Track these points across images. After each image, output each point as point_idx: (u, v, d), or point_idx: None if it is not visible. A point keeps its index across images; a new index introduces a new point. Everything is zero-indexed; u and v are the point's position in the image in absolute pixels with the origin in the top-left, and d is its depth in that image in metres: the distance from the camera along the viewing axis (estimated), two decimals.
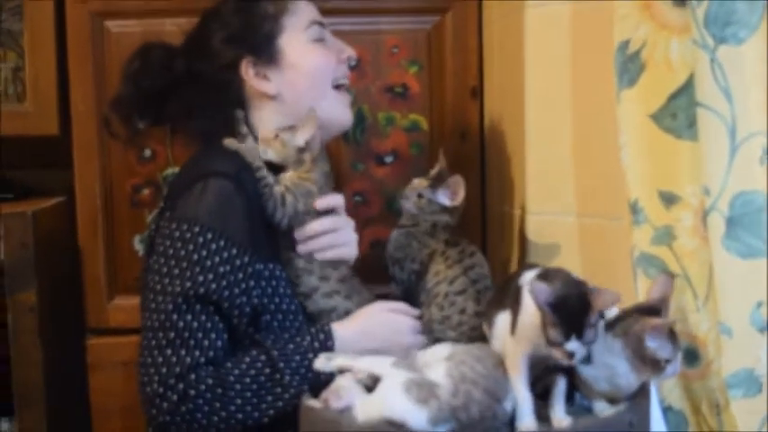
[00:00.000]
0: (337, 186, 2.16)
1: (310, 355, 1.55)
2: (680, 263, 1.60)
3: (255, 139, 1.70)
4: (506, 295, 1.44)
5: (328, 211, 1.69)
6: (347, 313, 1.67)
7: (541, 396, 1.43)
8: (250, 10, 1.72)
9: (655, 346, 1.38)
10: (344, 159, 2.18)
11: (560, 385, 1.40)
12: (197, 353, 1.51)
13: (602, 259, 1.76)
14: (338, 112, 1.78)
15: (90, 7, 2.10)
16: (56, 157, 2.17)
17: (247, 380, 1.52)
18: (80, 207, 2.14)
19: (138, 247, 2.13)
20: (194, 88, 1.72)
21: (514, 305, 1.40)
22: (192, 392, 1.49)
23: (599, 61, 1.70)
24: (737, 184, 1.53)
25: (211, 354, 1.52)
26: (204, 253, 1.53)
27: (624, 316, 1.43)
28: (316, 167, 1.68)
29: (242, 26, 1.72)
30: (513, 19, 1.96)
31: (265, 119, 1.74)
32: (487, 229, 2.23)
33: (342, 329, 1.61)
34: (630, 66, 1.59)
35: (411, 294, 1.76)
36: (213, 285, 1.52)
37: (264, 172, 1.63)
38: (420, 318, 1.69)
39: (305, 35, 1.74)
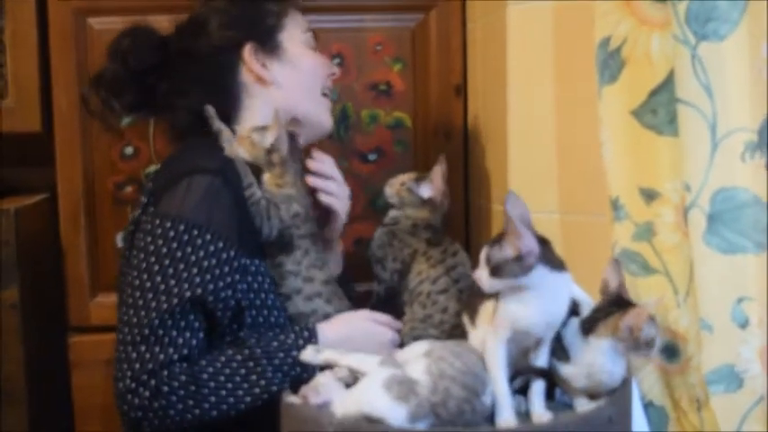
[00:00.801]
0: None
1: (294, 353, 1.54)
2: (661, 259, 1.61)
3: (234, 132, 1.70)
4: None
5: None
6: (326, 317, 1.66)
7: (522, 391, 1.43)
8: (253, 4, 1.77)
9: (648, 330, 1.38)
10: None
11: (538, 382, 1.41)
12: (171, 350, 1.49)
13: (585, 256, 1.75)
14: (324, 117, 1.81)
15: (72, 4, 2.09)
16: (38, 154, 2.16)
17: (222, 378, 1.51)
18: (62, 204, 2.13)
19: (122, 244, 2.12)
20: (190, 67, 1.72)
21: (496, 295, 1.40)
22: (165, 389, 1.48)
23: (581, 58, 1.70)
24: (718, 180, 1.54)
25: (185, 352, 1.51)
26: (189, 249, 1.52)
27: (600, 315, 1.42)
28: (287, 168, 1.67)
29: (244, 14, 1.75)
30: (496, 17, 1.96)
31: (256, 108, 1.73)
32: (471, 226, 2.24)
33: (326, 331, 1.61)
34: (611, 62, 1.60)
35: (394, 293, 1.76)
36: (197, 280, 1.51)
37: (254, 189, 1.63)
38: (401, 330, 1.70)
39: (303, 38, 1.79)
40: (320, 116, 1.80)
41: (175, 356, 1.50)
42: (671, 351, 1.63)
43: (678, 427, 1.65)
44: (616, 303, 1.42)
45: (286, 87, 1.75)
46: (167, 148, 2.08)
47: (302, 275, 1.66)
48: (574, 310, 1.46)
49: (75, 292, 2.14)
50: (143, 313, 1.51)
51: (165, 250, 1.53)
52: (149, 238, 1.55)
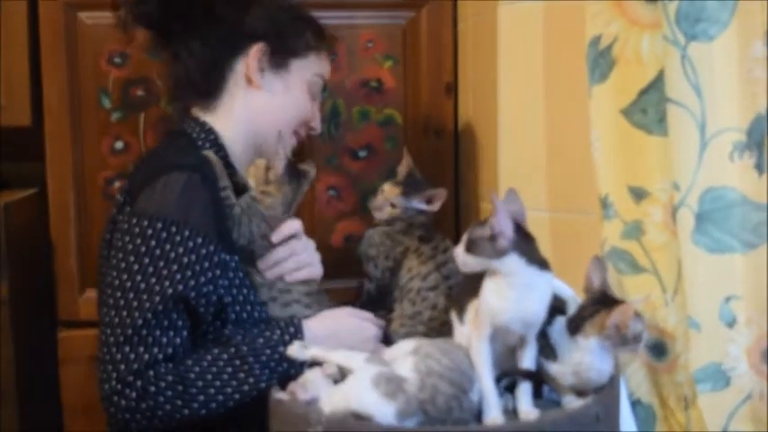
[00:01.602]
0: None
1: (281, 349, 1.54)
2: (649, 257, 1.61)
3: (209, 138, 1.71)
4: (478, 284, 1.44)
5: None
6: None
7: (510, 389, 1.43)
8: (297, 20, 1.77)
9: (635, 326, 1.39)
10: (319, 154, 2.18)
11: (526, 382, 1.41)
12: (155, 350, 1.49)
13: (574, 254, 1.76)
14: (279, 152, 1.74)
15: None
16: (28, 148, 2.15)
17: (209, 376, 1.51)
18: (52, 199, 2.13)
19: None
20: (206, 23, 1.73)
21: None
22: (152, 389, 1.48)
23: (571, 57, 1.71)
24: (707, 179, 1.55)
25: (170, 351, 1.50)
26: (168, 247, 1.52)
27: (586, 314, 1.43)
28: (279, 193, 1.67)
29: (283, 21, 1.76)
30: (487, 15, 1.96)
31: (233, 106, 1.74)
32: (461, 223, 2.24)
33: (312, 326, 1.61)
34: (602, 61, 1.60)
35: (385, 291, 1.76)
36: (177, 277, 1.51)
37: (228, 192, 1.64)
38: (385, 327, 1.70)
39: (309, 78, 1.79)
40: (277, 149, 1.74)
41: (160, 356, 1.49)
42: (659, 349, 1.63)
43: (665, 425, 1.66)
44: (601, 301, 1.43)
45: (266, 102, 1.75)
46: (158, 143, 2.10)
47: (277, 287, 1.66)
48: (561, 308, 1.46)
49: (64, 286, 2.14)
50: (125, 313, 1.50)
51: (143, 249, 1.52)
52: (127, 238, 1.54)
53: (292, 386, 1.42)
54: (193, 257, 1.52)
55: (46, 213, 2.14)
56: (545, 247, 1.42)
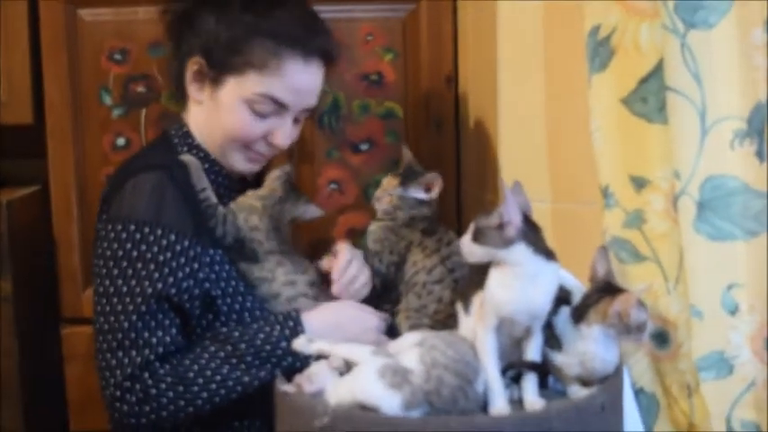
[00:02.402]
0: (313, 175, 2.18)
1: (283, 344, 1.55)
2: (651, 246, 1.61)
3: (186, 141, 1.72)
4: (484, 276, 1.44)
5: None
6: None
7: (515, 379, 1.44)
8: (236, 38, 1.66)
9: (637, 314, 1.39)
10: (319, 147, 2.18)
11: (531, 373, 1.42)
12: (146, 351, 1.51)
13: (576, 244, 1.76)
14: (236, 165, 1.75)
15: None
16: (30, 146, 2.15)
17: (208, 373, 1.52)
18: (54, 196, 2.13)
19: None
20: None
21: None
22: (153, 392, 1.50)
23: (571, 47, 1.71)
24: (708, 167, 1.55)
25: (161, 350, 1.52)
26: (143, 248, 1.53)
27: (590, 303, 1.43)
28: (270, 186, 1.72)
29: (216, 39, 1.67)
30: (487, 7, 1.96)
31: (197, 114, 1.73)
32: (463, 216, 2.24)
33: (311, 319, 1.61)
34: (601, 50, 1.60)
35: (390, 285, 1.76)
36: (155, 276, 1.53)
37: (208, 192, 1.64)
38: (391, 320, 1.70)
39: (248, 97, 1.66)
40: (230, 162, 1.73)
41: (152, 357, 1.51)
42: (661, 338, 1.63)
43: (668, 413, 1.66)
44: (605, 290, 1.43)
45: (205, 116, 1.72)
46: None
47: (280, 281, 1.67)
48: (566, 298, 1.46)
49: (67, 283, 2.14)
50: (112, 319, 1.52)
51: (120, 253, 1.54)
52: (105, 244, 1.57)
53: (298, 379, 1.43)
54: (169, 255, 1.54)
55: (48, 210, 2.14)
56: (548, 238, 1.42)
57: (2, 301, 1.97)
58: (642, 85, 1.59)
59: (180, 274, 1.54)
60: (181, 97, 1.74)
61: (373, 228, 1.79)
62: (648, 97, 1.58)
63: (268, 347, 1.54)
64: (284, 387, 1.45)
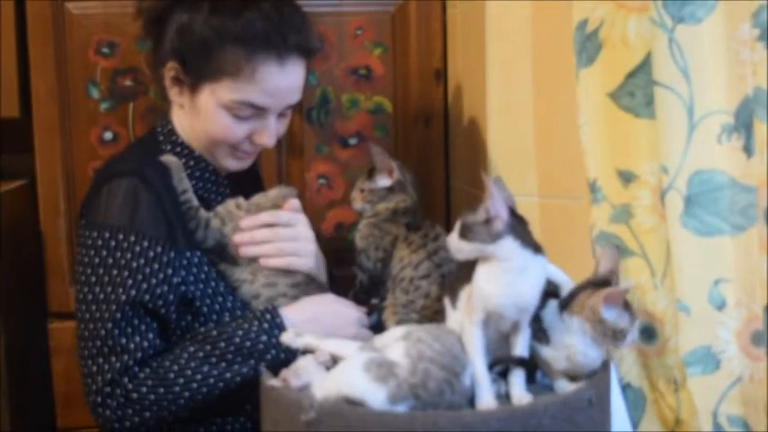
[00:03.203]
0: (301, 169, 2.17)
1: (263, 338, 1.55)
2: (638, 240, 1.61)
3: (170, 139, 1.71)
4: (471, 270, 1.44)
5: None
6: None
7: (503, 374, 1.43)
8: (209, 45, 1.61)
9: (612, 316, 1.39)
10: (308, 142, 2.17)
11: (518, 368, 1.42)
12: (125, 357, 1.51)
13: (564, 238, 1.77)
14: (225, 163, 1.73)
15: None
16: (17, 140, 2.15)
17: (188, 372, 1.52)
18: (41, 190, 2.12)
19: None
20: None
21: None
22: (134, 396, 1.50)
23: (559, 42, 1.71)
24: (695, 162, 1.55)
25: (140, 354, 1.52)
26: (118, 254, 1.53)
27: (577, 292, 1.43)
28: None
29: (189, 44, 1.62)
30: (476, 2, 1.96)
31: (180, 115, 1.71)
32: (452, 210, 2.24)
33: (290, 313, 1.60)
34: (589, 45, 1.60)
35: (377, 281, 1.76)
36: (129, 282, 1.53)
37: (189, 195, 1.63)
38: (368, 313, 1.70)
39: (225, 103, 1.63)
40: (217, 160, 1.72)
41: (131, 362, 1.51)
42: (648, 333, 1.63)
43: (655, 408, 1.66)
44: (596, 284, 1.43)
45: (185, 118, 1.70)
46: None
47: (260, 282, 1.66)
48: (554, 292, 1.46)
49: (54, 278, 2.14)
50: (91, 326, 1.53)
51: (96, 260, 1.54)
52: (83, 251, 1.57)
53: (285, 373, 1.42)
54: (142, 261, 1.54)
55: (35, 205, 2.13)
56: (535, 233, 1.42)
57: None
58: (629, 79, 1.58)
59: (153, 281, 1.54)
60: (164, 99, 1.72)
61: (359, 226, 1.79)
62: (636, 92, 1.58)
63: (248, 343, 1.54)
64: (271, 381, 1.45)
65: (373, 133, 2.20)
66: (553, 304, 1.44)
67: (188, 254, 1.61)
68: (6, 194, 2.06)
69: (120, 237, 1.54)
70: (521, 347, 1.42)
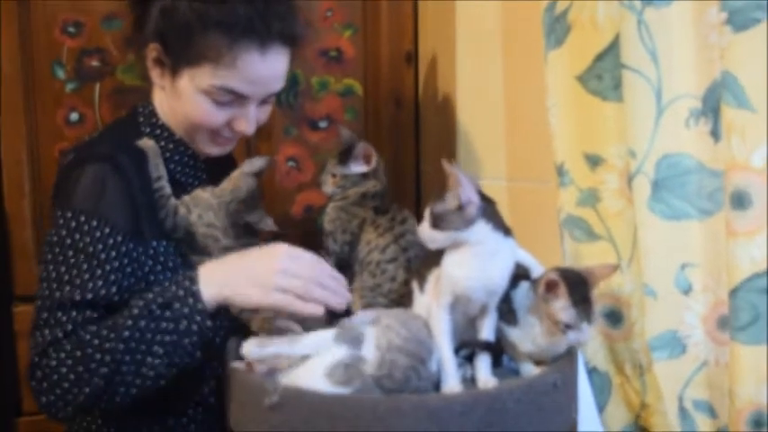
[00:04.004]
0: (270, 151, 2.16)
1: (176, 305, 1.48)
2: (605, 224, 1.61)
3: (150, 122, 1.68)
4: (439, 254, 1.43)
5: None
6: None
7: (469, 358, 1.43)
8: (190, 28, 1.58)
9: (556, 306, 1.38)
10: (277, 124, 2.15)
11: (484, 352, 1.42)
12: (57, 330, 1.48)
13: (532, 222, 1.76)
14: (203, 148, 1.70)
15: None
16: None
17: (105, 332, 1.46)
18: (6, 172, 2.09)
19: None
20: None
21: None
22: (53, 363, 1.46)
23: (529, 25, 1.70)
24: (663, 146, 1.55)
25: (69, 327, 1.48)
26: (77, 236, 1.51)
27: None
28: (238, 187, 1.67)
29: (170, 27, 1.60)
30: None
31: (161, 97, 1.69)
32: (422, 193, 2.23)
33: (202, 266, 1.54)
34: (557, 27, 1.60)
35: (344, 264, 1.75)
36: (84, 266, 1.50)
37: (162, 182, 1.61)
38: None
39: (205, 88, 1.60)
40: (197, 145, 1.69)
41: (60, 334, 1.47)
42: (614, 317, 1.63)
43: (621, 392, 1.67)
44: (570, 276, 1.40)
45: (165, 100, 1.67)
46: (113, 114, 2.07)
47: None
48: (524, 275, 1.46)
49: (20, 260, 2.11)
50: (39, 303, 1.51)
51: (55, 239, 1.53)
52: (51, 230, 1.55)
53: (251, 358, 1.41)
54: (100, 246, 1.51)
55: (0, 187, 2.10)
56: (504, 216, 1.41)
57: None
58: (598, 62, 1.58)
59: (107, 267, 1.51)
60: (146, 80, 1.69)
61: (327, 209, 1.78)
62: (604, 75, 1.58)
63: (167, 313, 1.48)
64: (235, 364, 1.44)
65: (343, 116, 2.19)
66: (524, 285, 1.44)
67: (154, 243, 1.59)
68: None
69: (82, 219, 1.52)
70: (487, 331, 1.42)
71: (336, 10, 2.16)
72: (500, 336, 1.44)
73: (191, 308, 1.48)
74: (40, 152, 2.09)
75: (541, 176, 1.74)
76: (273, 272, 1.48)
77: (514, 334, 1.43)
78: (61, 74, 2.07)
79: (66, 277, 1.50)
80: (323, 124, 2.19)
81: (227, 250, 1.63)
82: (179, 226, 1.62)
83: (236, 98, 1.61)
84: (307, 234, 1.91)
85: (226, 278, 1.50)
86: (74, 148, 1.69)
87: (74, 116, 2.09)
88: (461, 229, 1.35)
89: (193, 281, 1.50)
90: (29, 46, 2.06)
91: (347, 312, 1.63)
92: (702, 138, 1.54)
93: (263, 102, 1.67)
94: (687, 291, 1.58)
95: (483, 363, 1.40)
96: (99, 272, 1.51)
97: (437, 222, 1.36)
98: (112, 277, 1.52)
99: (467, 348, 1.42)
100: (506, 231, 1.39)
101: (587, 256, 1.62)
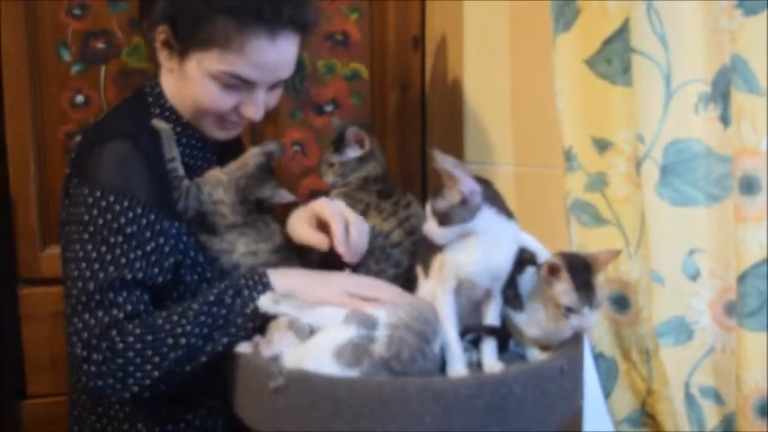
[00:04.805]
0: (276, 135, 2.15)
1: (251, 305, 1.50)
2: (612, 209, 1.61)
3: (159, 103, 1.68)
4: None
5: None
6: None
7: (475, 343, 1.43)
8: (201, 12, 1.57)
9: (558, 290, 1.37)
10: (283, 108, 2.15)
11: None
12: (115, 311, 1.47)
13: (539, 207, 1.76)
14: (212, 132, 1.70)
15: None
16: None
17: (178, 327, 1.47)
18: (11, 155, 2.08)
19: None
20: None
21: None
22: (120, 346, 1.46)
23: (537, 8, 1.69)
24: (671, 131, 1.54)
25: (129, 308, 1.48)
26: (109, 216, 1.50)
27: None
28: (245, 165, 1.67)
29: (180, 9, 1.59)
30: None
31: (168, 78, 1.67)
32: (428, 179, 2.23)
33: (276, 279, 1.55)
34: (566, 10, 1.59)
35: None
36: (125, 246, 1.50)
37: (176, 164, 1.61)
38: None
39: (213, 72, 1.59)
40: (204, 129, 1.69)
41: (121, 315, 1.47)
42: (621, 302, 1.63)
43: (627, 378, 1.67)
44: (575, 259, 1.40)
45: (173, 83, 1.66)
46: (118, 97, 2.06)
47: (240, 251, 1.64)
48: (531, 259, 1.45)
49: (25, 243, 2.10)
50: (80, 284, 1.49)
51: (86, 218, 1.51)
52: (75, 209, 1.53)
53: (258, 340, 1.41)
54: (135, 227, 1.51)
55: (5, 169, 2.10)
56: (510, 202, 1.41)
57: None
58: (606, 46, 1.57)
59: (147, 248, 1.51)
60: (154, 62, 1.69)
61: (331, 196, 1.78)
62: (613, 59, 1.57)
63: (239, 300, 1.50)
64: (242, 347, 1.44)
65: (350, 100, 2.18)
66: (531, 270, 1.44)
67: (176, 223, 1.58)
68: None
69: (112, 198, 1.50)
70: (492, 316, 1.42)
71: None
72: (506, 321, 1.44)
73: (259, 293, 1.50)
74: (45, 134, 2.08)
75: (549, 161, 1.73)
76: (343, 281, 1.55)
77: (520, 319, 1.43)
78: (67, 56, 2.07)
79: (109, 257, 1.49)
80: (329, 108, 2.18)
81: (234, 228, 1.63)
82: (190, 207, 1.61)
83: (244, 84, 1.60)
84: None
85: (297, 278, 1.55)
86: (86, 128, 1.68)
87: (79, 98, 2.08)
88: (468, 221, 1.34)
89: (263, 274, 1.53)
90: (34, 28, 2.04)
91: None
92: (711, 123, 1.53)
93: (273, 87, 1.66)
94: (695, 277, 1.57)
95: (489, 347, 1.40)
96: (140, 252, 1.50)
97: (444, 219, 1.36)
98: (153, 257, 1.52)
99: (471, 333, 1.42)
100: (509, 214, 1.39)
101: (594, 242, 1.61)
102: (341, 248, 1.57)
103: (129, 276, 1.49)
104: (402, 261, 1.65)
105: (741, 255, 1.49)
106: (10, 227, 2.11)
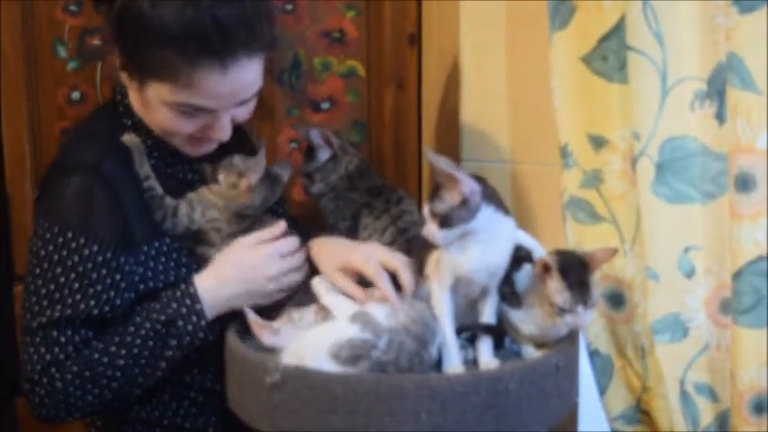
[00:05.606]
0: (273, 133, 2.15)
1: (180, 323, 1.51)
2: (608, 206, 1.61)
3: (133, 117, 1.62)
4: None
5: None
6: None
7: (471, 341, 1.43)
8: (148, 41, 1.45)
9: (551, 288, 1.37)
10: (279, 105, 2.14)
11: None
12: (56, 349, 1.48)
13: (535, 204, 1.76)
14: (183, 149, 1.62)
15: None
16: None
17: (118, 362, 1.49)
18: (7, 151, 2.09)
19: None
20: None
21: None
22: (59, 385, 1.47)
23: (533, 6, 1.69)
24: (667, 128, 1.55)
25: (71, 349, 1.48)
26: (64, 253, 1.48)
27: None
28: (254, 193, 1.63)
29: (124, 34, 1.48)
30: None
31: (130, 95, 1.60)
32: (424, 176, 2.22)
33: (201, 281, 1.55)
34: (562, 8, 1.59)
35: None
36: (75, 285, 1.49)
37: (152, 182, 1.57)
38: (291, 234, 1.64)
39: (169, 102, 1.49)
40: (178, 146, 1.61)
41: (61, 356, 1.48)
42: (617, 299, 1.63)
43: (622, 375, 1.67)
44: (570, 258, 1.40)
45: (135, 101, 1.59)
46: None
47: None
48: (527, 256, 1.46)
49: (20, 240, 2.10)
50: (29, 315, 1.50)
51: (43, 253, 1.49)
52: (34, 239, 1.52)
53: (262, 325, 1.41)
54: (90, 266, 1.48)
55: (2, 165, 2.10)
56: (507, 199, 1.41)
57: None
58: (602, 43, 1.57)
59: (99, 287, 1.49)
60: (118, 82, 1.61)
61: (322, 203, 1.78)
62: (609, 56, 1.57)
63: (163, 317, 1.51)
64: (235, 342, 1.43)
65: (345, 97, 2.18)
66: (527, 268, 1.44)
67: (145, 248, 1.55)
68: None
69: (69, 236, 1.48)
70: (488, 314, 1.41)
71: None
72: (502, 318, 1.44)
73: (194, 325, 1.52)
74: (41, 131, 2.09)
75: (545, 158, 1.74)
76: (266, 280, 1.55)
77: (517, 316, 1.42)
78: (63, 52, 2.07)
79: (57, 295, 1.48)
80: (325, 105, 2.18)
81: (230, 237, 1.62)
82: (178, 225, 1.58)
83: (205, 110, 1.51)
84: (308, 217, 1.90)
85: (227, 295, 1.54)
86: (74, 127, 1.67)
87: (75, 95, 2.09)
88: (469, 221, 1.34)
89: (194, 299, 1.52)
90: (30, 25, 2.05)
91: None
92: (707, 120, 1.54)
93: (241, 104, 1.55)
94: (690, 274, 1.58)
95: (485, 345, 1.40)
96: (91, 291, 1.49)
97: (445, 222, 1.35)
98: (104, 296, 1.50)
99: (468, 332, 1.42)
100: (506, 211, 1.39)
101: (590, 239, 1.61)
102: (396, 306, 1.44)
103: (76, 315, 1.48)
104: None
105: (736, 252, 1.49)
106: (6, 223, 2.11)
